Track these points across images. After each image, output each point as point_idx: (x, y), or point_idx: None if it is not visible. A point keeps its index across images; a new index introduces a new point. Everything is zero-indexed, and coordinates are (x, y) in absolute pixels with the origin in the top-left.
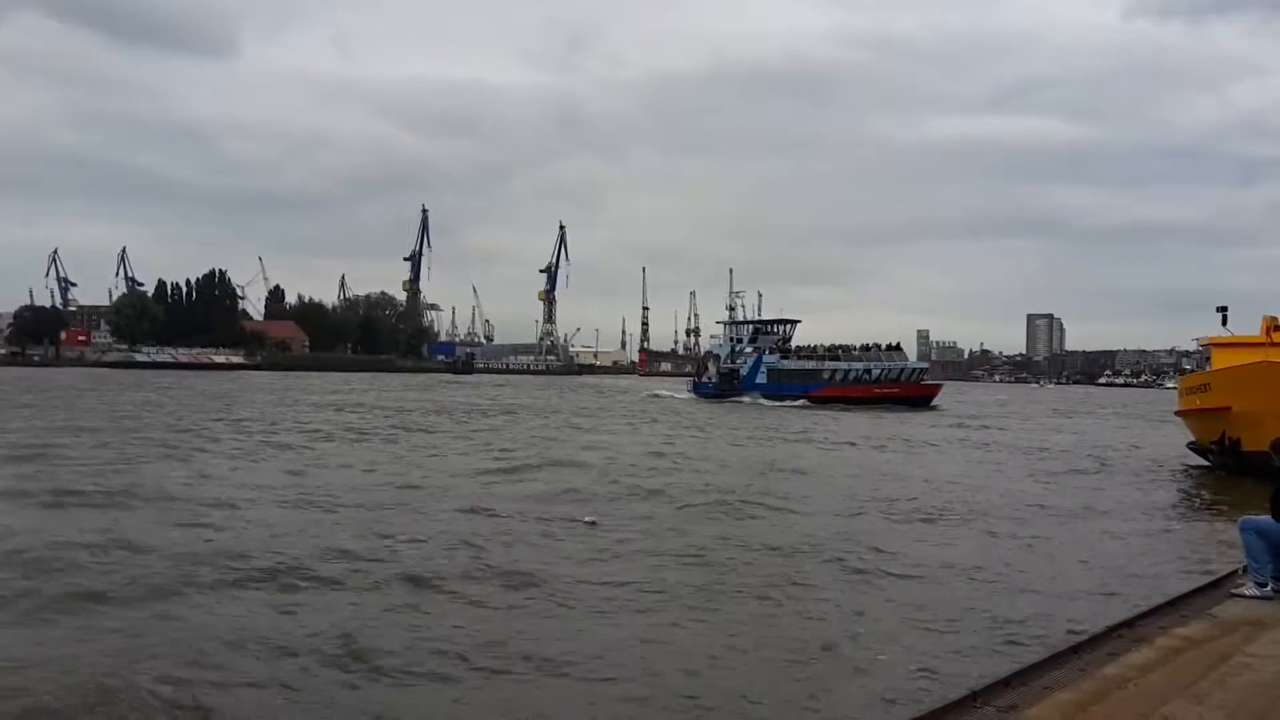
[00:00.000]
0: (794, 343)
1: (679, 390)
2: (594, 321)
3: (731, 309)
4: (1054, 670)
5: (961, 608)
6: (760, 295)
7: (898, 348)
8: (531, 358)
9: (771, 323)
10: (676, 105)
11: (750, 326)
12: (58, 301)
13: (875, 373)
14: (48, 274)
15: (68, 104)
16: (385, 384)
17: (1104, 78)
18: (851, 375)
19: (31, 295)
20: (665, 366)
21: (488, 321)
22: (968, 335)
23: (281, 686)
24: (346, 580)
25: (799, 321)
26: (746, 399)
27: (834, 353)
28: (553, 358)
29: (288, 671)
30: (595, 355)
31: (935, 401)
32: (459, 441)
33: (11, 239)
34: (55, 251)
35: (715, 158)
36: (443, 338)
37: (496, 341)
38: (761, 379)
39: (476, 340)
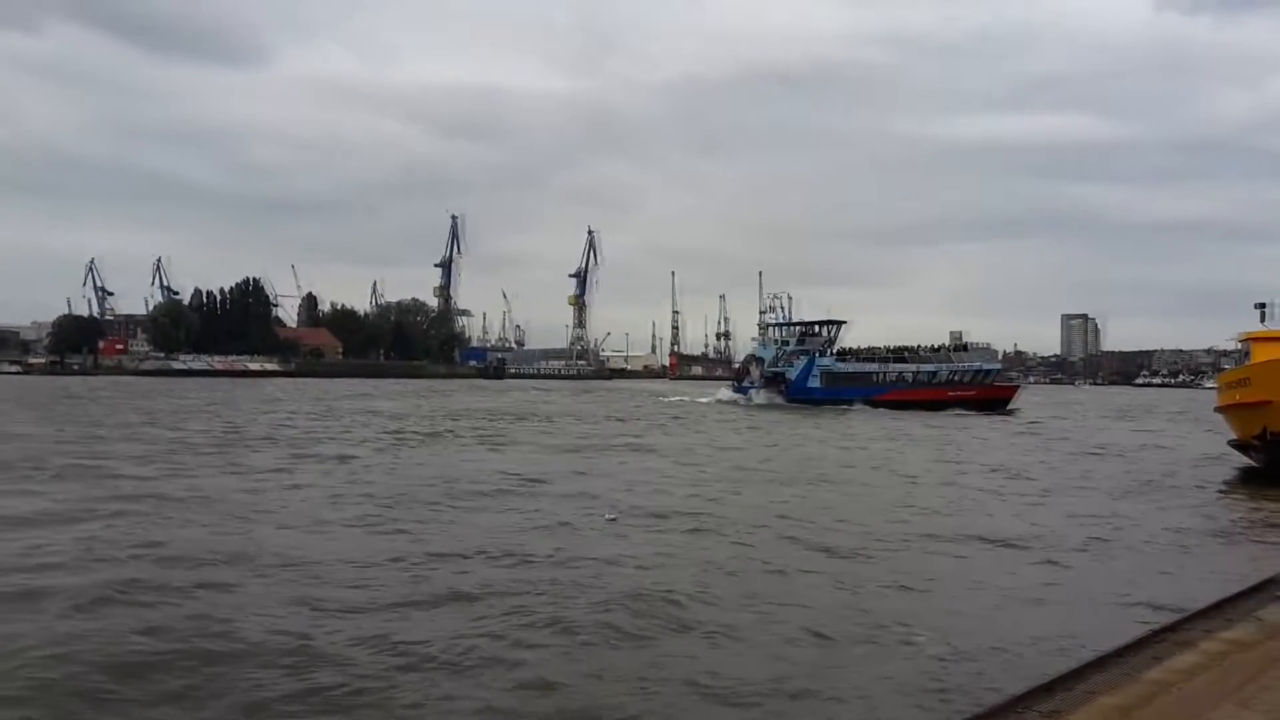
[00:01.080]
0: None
1: (719, 394)
2: (624, 325)
3: (771, 310)
4: (1097, 674)
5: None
6: (790, 298)
7: (965, 347)
8: (562, 362)
9: (819, 323)
10: (702, 107)
11: (797, 328)
12: (95, 311)
13: (945, 374)
14: (85, 283)
15: (102, 113)
16: (432, 389)
17: (1131, 72)
18: (919, 377)
19: (70, 305)
20: (697, 370)
21: (518, 326)
22: (1001, 336)
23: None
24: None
25: (845, 322)
26: (779, 402)
27: (899, 353)
28: (583, 362)
29: None
30: (626, 359)
31: (1012, 404)
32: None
33: (50, 249)
34: (93, 261)
35: (742, 158)
36: (474, 343)
37: (527, 346)
38: (814, 382)
39: (507, 345)
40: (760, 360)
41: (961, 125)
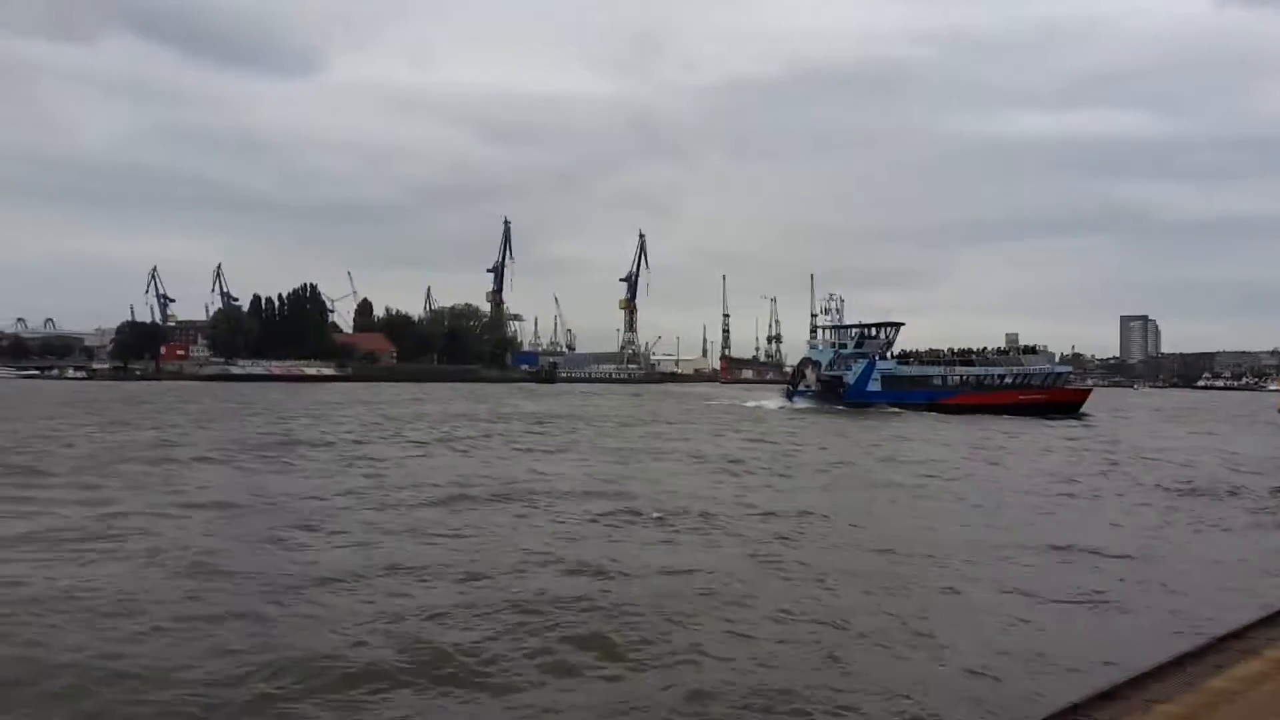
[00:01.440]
0: (896, 347)
1: (771, 399)
2: (674, 329)
3: (825, 312)
4: (1157, 683)
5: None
6: (842, 300)
7: (1035, 349)
8: (613, 366)
9: (876, 326)
10: (749, 108)
11: (855, 330)
12: (157, 317)
13: (1014, 377)
14: (148, 291)
15: (157, 122)
16: (488, 393)
17: (1189, 67)
18: (987, 380)
19: (133, 312)
20: (747, 374)
21: (569, 331)
22: (1057, 338)
23: None
24: None
25: (903, 324)
26: (838, 406)
27: (964, 356)
28: (634, 366)
29: None
30: (676, 363)
31: (1084, 408)
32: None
33: (112, 257)
34: (154, 269)
35: (789, 160)
36: (525, 347)
37: (578, 350)
38: (874, 386)
39: (559, 349)
40: (816, 364)
41: (1014, 123)
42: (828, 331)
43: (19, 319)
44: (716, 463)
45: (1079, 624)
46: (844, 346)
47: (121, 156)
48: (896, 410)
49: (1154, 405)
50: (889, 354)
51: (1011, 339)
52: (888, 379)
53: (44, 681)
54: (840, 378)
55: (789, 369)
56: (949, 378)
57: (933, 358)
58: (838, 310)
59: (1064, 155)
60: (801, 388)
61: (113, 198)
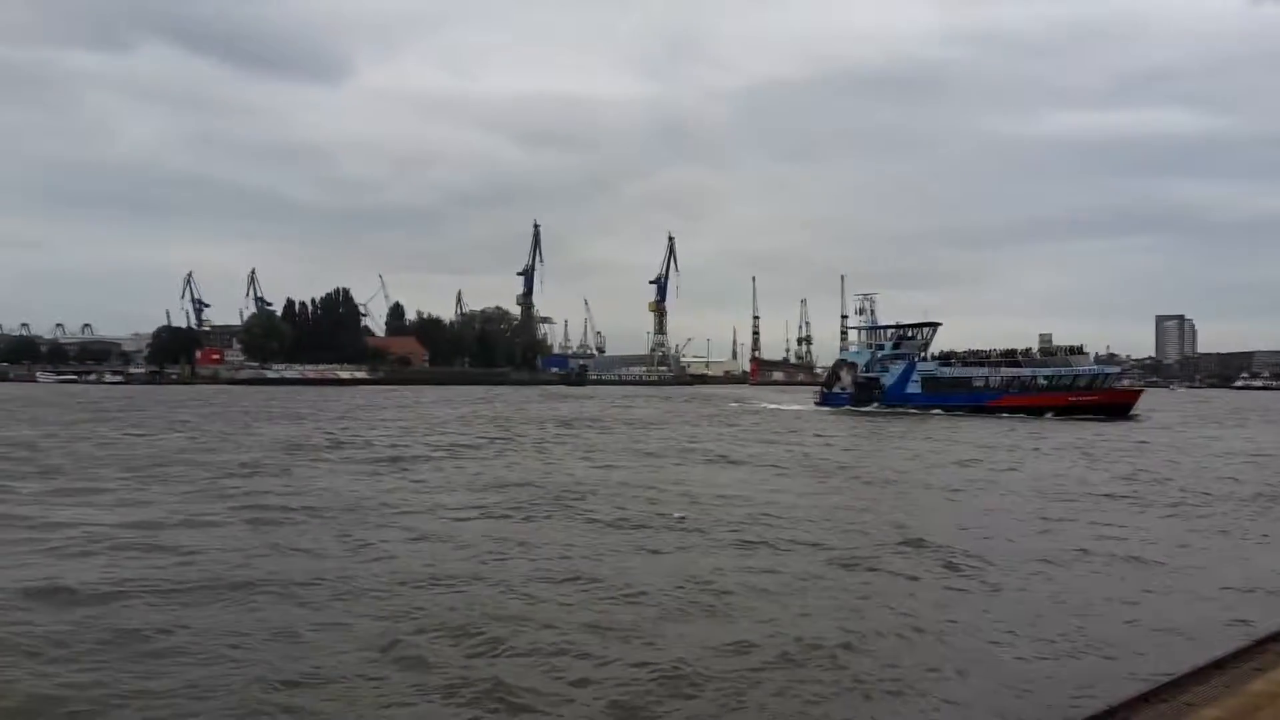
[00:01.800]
0: (933, 348)
1: (804, 402)
2: (703, 331)
3: (860, 313)
4: (1197, 685)
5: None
6: (875, 300)
7: (1081, 350)
8: (643, 369)
9: (913, 326)
10: (780, 110)
11: (893, 331)
12: (193, 322)
13: (1061, 378)
14: (183, 296)
15: (191, 129)
16: (524, 396)
17: (1229, 65)
18: (1033, 382)
19: (169, 316)
20: (778, 375)
21: (599, 333)
22: (1093, 339)
23: None
24: None
25: (941, 324)
26: (872, 408)
27: (1011, 357)
28: (664, 368)
29: None
30: (706, 365)
31: (1134, 409)
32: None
33: (148, 263)
34: (190, 275)
35: (820, 161)
36: (555, 350)
37: (607, 353)
38: (914, 388)
39: (588, 352)
40: (852, 365)
41: (1051, 122)
42: (864, 332)
43: (57, 325)
44: (789, 475)
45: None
46: (881, 348)
47: (158, 164)
48: (938, 413)
49: (1197, 405)
50: (925, 355)
51: (1045, 339)
52: (928, 381)
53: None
54: (877, 379)
55: (820, 370)
56: (993, 379)
57: (976, 358)
58: (871, 311)
59: (1103, 155)
60: (837, 390)
61: (149, 205)
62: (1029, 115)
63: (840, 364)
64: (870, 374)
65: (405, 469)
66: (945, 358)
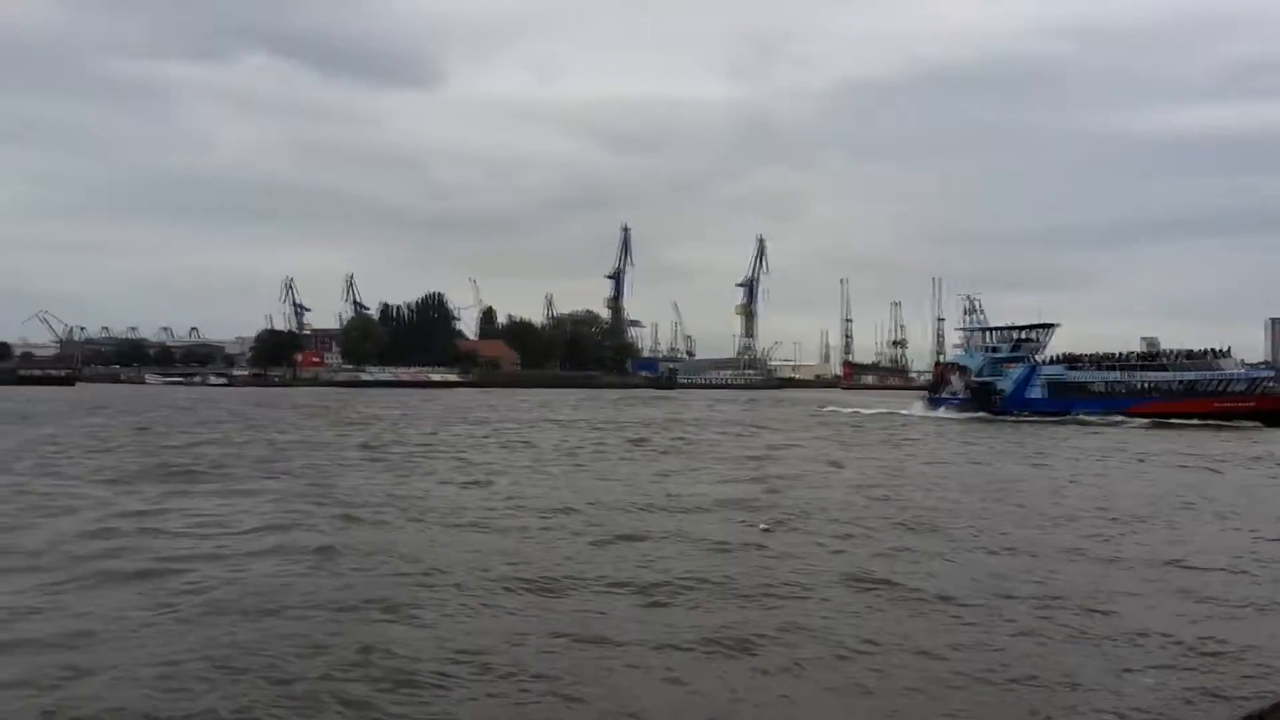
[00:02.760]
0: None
1: (905, 406)
2: (791, 334)
3: (968, 313)
4: None
5: None
6: (969, 302)
7: (1227, 353)
8: (731, 372)
9: (1029, 328)
10: (869, 109)
11: (1011, 332)
12: (293, 326)
13: (1208, 383)
14: (284, 300)
15: (291, 137)
16: (626, 399)
17: None
18: (1177, 387)
19: (270, 320)
20: (869, 379)
21: (688, 336)
22: (1200, 342)
23: None
24: None
25: (1058, 325)
26: (992, 415)
27: (1151, 358)
28: (753, 371)
29: None
30: (795, 368)
31: None
32: None
33: (252, 269)
34: (290, 280)
35: (910, 161)
36: (644, 353)
37: (696, 356)
38: (1036, 393)
39: (677, 355)
40: (963, 369)
41: (1153, 118)
42: (976, 334)
43: (164, 328)
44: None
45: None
46: (996, 350)
47: (258, 171)
48: (1067, 420)
49: None
50: (1037, 357)
51: (1151, 343)
52: (1054, 386)
53: None
54: (992, 384)
55: (913, 375)
56: (1129, 384)
57: (1111, 361)
58: (978, 311)
59: (1210, 151)
60: (945, 395)
61: (250, 212)
62: (1127, 111)
63: (949, 367)
64: (984, 378)
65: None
66: (1070, 360)
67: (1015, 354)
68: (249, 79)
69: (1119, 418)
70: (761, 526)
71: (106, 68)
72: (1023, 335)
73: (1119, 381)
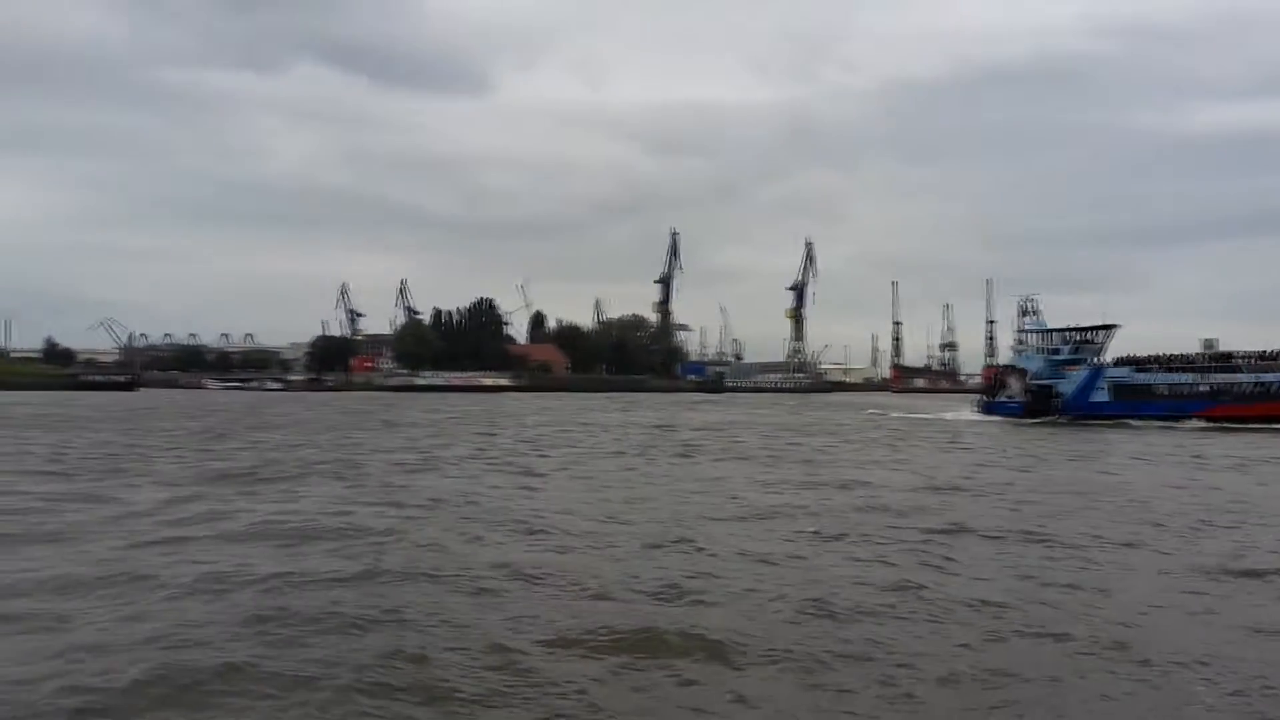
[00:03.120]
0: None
1: (957, 410)
2: (840, 337)
3: (1024, 314)
4: None
5: None
6: (1026, 303)
7: None
8: (780, 376)
9: (1089, 329)
10: (916, 110)
11: (1073, 333)
12: (347, 331)
13: None
14: (337, 306)
15: (342, 145)
16: (679, 402)
17: None
18: (1251, 389)
19: (324, 326)
20: (919, 383)
21: (735, 340)
22: (1259, 343)
23: None
24: None
25: (1118, 326)
26: (1052, 419)
27: (1226, 360)
28: (802, 375)
29: None
30: (845, 372)
31: None
32: None
33: (306, 275)
34: (344, 286)
35: (959, 161)
36: (692, 357)
37: (744, 360)
38: (1101, 397)
39: (725, 359)
40: (1021, 371)
41: (1204, 116)
42: (1034, 336)
43: (223, 335)
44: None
45: None
46: (1056, 352)
47: (310, 180)
48: (1136, 424)
49: None
50: (1098, 359)
51: (1209, 344)
52: (1120, 388)
53: None
54: (1052, 387)
55: (963, 378)
56: (1202, 386)
57: (1182, 362)
58: (1034, 312)
59: (1263, 149)
60: (1003, 398)
61: (305, 219)
62: (1178, 109)
63: (1007, 370)
64: (1044, 381)
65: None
66: (1138, 362)
67: (1076, 356)
68: (299, 87)
69: (1196, 421)
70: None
71: (161, 78)
72: (1084, 337)
73: (1187, 384)
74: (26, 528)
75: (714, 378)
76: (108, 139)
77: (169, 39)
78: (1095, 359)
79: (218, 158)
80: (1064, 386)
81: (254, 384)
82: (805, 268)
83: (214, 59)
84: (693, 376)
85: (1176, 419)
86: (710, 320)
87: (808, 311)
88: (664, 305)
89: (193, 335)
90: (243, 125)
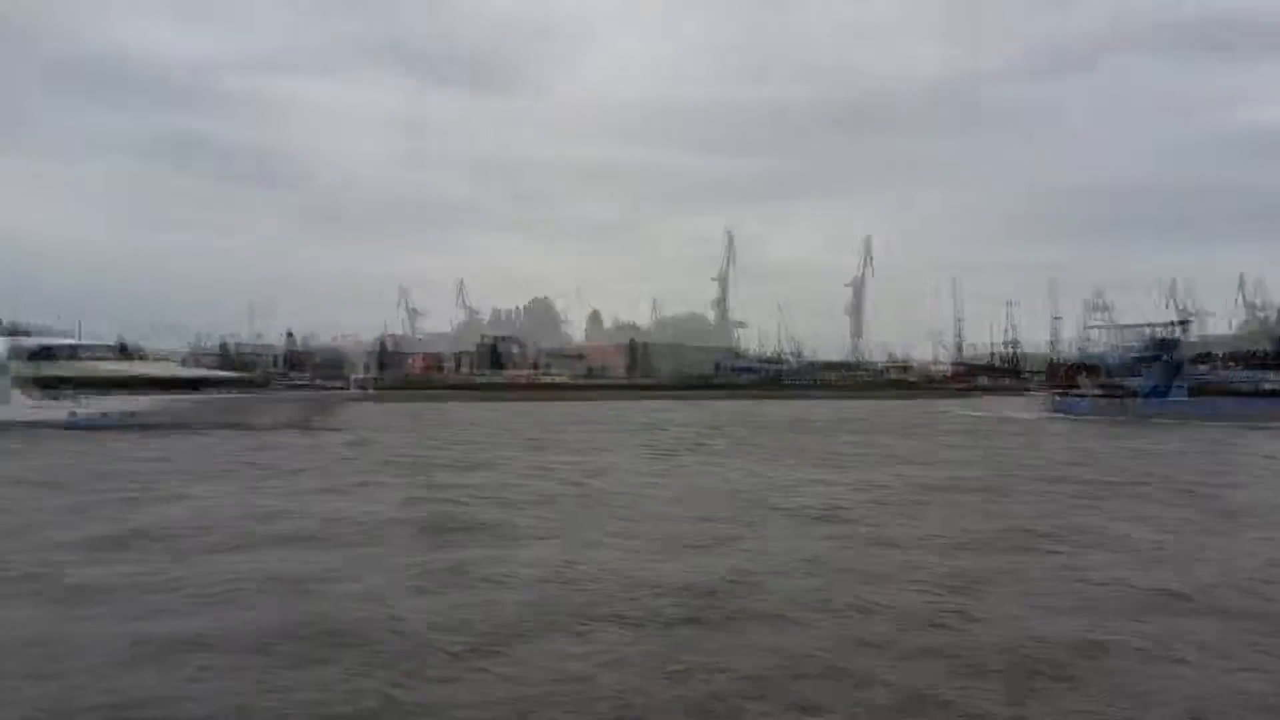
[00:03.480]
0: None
1: (1021, 408)
2: (899, 334)
3: (1095, 310)
4: None
5: None
6: (1097, 298)
7: None
8: (839, 373)
9: (1168, 325)
10: (973, 100)
11: (1149, 330)
12: (408, 331)
13: None
14: (399, 306)
15: (402, 148)
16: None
17: None
18: None
19: (386, 326)
20: (982, 380)
21: (793, 338)
22: None
23: None
24: None
25: (1191, 321)
26: (1129, 418)
27: None
28: (861, 372)
29: None
30: (904, 369)
31: None
32: None
33: (368, 275)
34: (405, 287)
35: (1021, 153)
36: (750, 355)
37: (803, 358)
38: (1179, 395)
39: (783, 356)
40: (1094, 369)
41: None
42: (1107, 332)
43: (288, 334)
44: None
45: None
46: (1131, 349)
47: (372, 182)
48: (1218, 424)
49: None
50: (1172, 355)
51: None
52: (1199, 386)
53: None
54: (1124, 384)
55: (1026, 375)
56: None
57: (1256, 359)
58: (1106, 308)
59: None
60: (1075, 397)
61: (364, 222)
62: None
63: (1077, 367)
64: (1119, 378)
65: None
66: (1210, 359)
67: (1152, 352)
68: (357, 90)
69: None
70: None
71: (222, 82)
72: (1160, 333)
73: (1270, 380)
74: None
75: (772, 376)
76: (176, 144)
77: (230, 45)
78: (1171, 356)
79: (298, 164)
80: (1140, 383)
81: (332, 385)
82: (864, 264)
83: (278, 62)
84: (751, 374)
85: (1260, 416)
86: (768, 318)
87: (866, 308)
88: (721, 303)
89: (258, 335)
90: (304, 128)
